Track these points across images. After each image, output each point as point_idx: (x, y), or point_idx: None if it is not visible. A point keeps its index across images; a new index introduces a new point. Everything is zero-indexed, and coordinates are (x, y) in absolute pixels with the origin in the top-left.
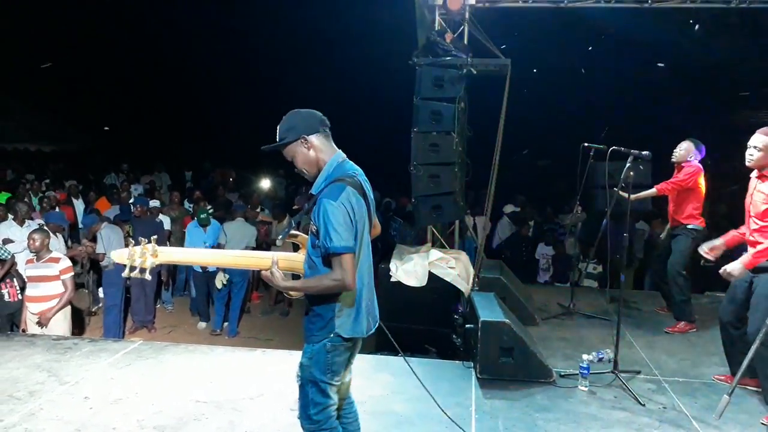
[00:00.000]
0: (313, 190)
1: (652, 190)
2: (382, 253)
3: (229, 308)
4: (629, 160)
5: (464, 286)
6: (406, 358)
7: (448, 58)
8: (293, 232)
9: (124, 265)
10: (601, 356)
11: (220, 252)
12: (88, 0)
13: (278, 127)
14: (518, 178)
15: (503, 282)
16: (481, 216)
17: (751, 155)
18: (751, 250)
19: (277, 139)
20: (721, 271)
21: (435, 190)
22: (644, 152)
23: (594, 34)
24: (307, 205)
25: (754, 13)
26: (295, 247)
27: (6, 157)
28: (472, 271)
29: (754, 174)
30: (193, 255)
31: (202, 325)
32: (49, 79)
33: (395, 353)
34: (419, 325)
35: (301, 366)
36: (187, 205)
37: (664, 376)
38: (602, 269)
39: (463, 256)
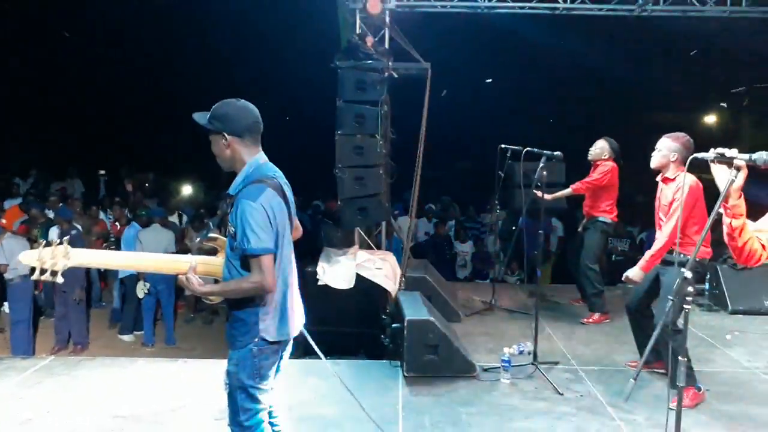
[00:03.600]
0: (231, 191)
1: (568, 190)
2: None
3: (162, 318)
4: (542, 160)
5: (391, 286)
6: (329, 360)
7: (369, 61)
8: (212, 234)
9: (31, 273)
10: (521, 349)
11: (135, 254)
12: None
13: (213, 107)
14: (442, 179)
15: (428, 281)
16: (406, 216)
17: (655, 157)
18: (647, 254)
19: (207, 117)
20: (623, 277)
21: (360, 192)
22: (556, 152)
23: (511, 39)
24: (226, 206)
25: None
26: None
27: None
28: (399, 271)
29: (659, 177)
30: (107, 257)
31: (129, 338)
32: None
33: (325, 358)
34: (348, 328)
35: (228, 373)
36: (103, 215)
37: (580, 365)
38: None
39: (390, 257)
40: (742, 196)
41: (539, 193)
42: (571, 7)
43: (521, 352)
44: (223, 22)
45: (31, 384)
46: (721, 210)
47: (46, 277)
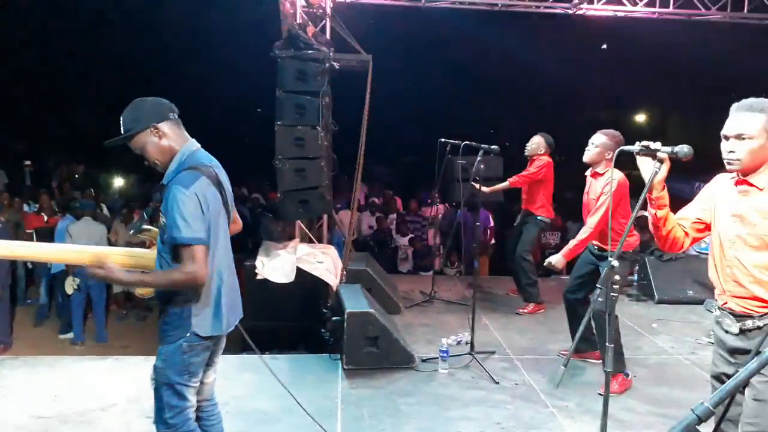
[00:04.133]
0: (164, 180)
1: (505, 183)
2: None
3: (92, 315)
4: (480, 154)
5: (332, 279)
6: (267, 355)
7: (310, 51)
8: (145, 227)
9: None
10: (459, 339)
11: (48, 246)
12: None
13: (122, 118)
14: (386, 172)
15: (369, 273)
16: (347, 210)
17: (589, 151)
18: (571, 242)
19: (122, 131)
20: (545, 263)
21: (301, 184)
22: (493, 146)
23: (453, 34)
24: (159, 196)
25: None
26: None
27: None
28: (340, 264)
29: (588, 172)
30: (25, 249)
31: (68, 336)
32: None
33: (260, 352)
34: (288, 322)
35: (155, 369)
36: (27, 207)
37: (516, 354)
38: (459, 258)
39: (332, 250)
40: (666, 188)
41: (477, 186)
42: (510, 3)
43: (459, 343)
44: (165, 12)
45: None
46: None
47: None
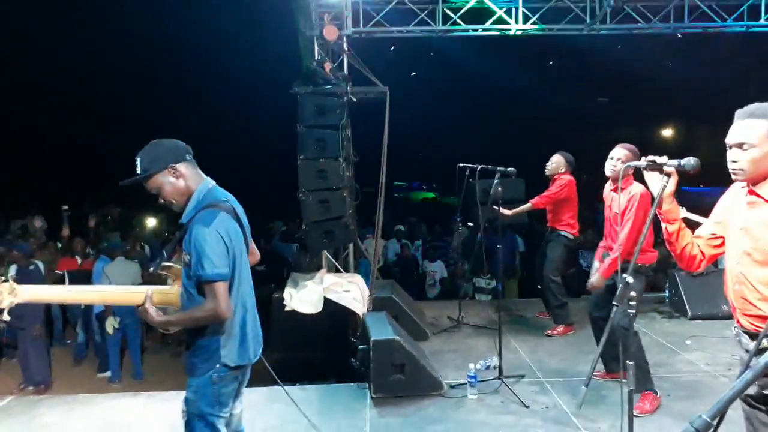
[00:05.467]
0: (183, 219)
1: (528, 205)
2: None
3: (128, 352)
4: (496, 176)
5: (360, 308)
6: (296, 387)
7: (328, 86)
8: (166, 263)
9: None
10: (487, 364)
11: (87, 288)
12: None
13: (138, 159)
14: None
15: (395, 301)
16: (372, 238)
17: (614, 166)
18: (606, 260)
19: (138, 171)
20: (587, 285)
21: (325, 215)
22: (509, 168)
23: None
24: (179, 234)
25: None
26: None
27: None
28: (367, 292)
29: (608, 187)
30: (57, 292)
31: (105, 375)
32: None
33: (291, 383)
34: (318, 352)
35: (187, 401)
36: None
37: (546, 377)
38: (495, 283)
39: (358, 279)
40: (675, 201)
41: (498, 209)
42: (523, 28)
43: (487, 367)
44: (189, 54)
45: None
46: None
47: None
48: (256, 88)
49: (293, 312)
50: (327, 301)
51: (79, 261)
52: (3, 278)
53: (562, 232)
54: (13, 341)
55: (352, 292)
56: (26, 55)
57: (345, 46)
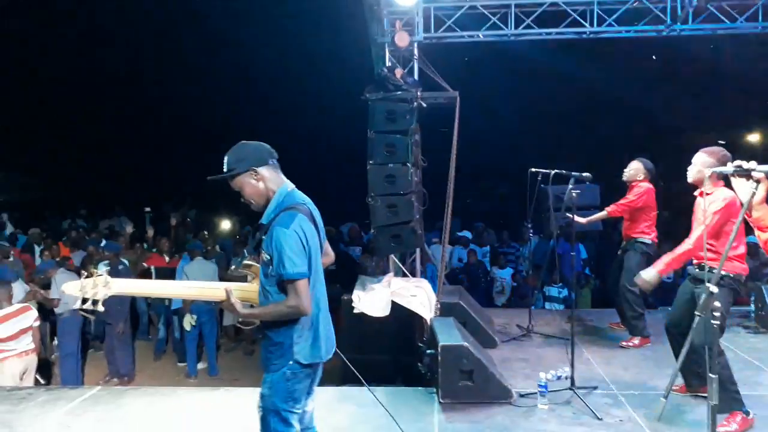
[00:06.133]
0: (263, 220)
1: (603, 213)
2: (345, 282)
3: (204, 349)
4: (571, 182)
5: (426, 313)
6: (367, 385)
7: (399, 92)
8: (246, 262)
9: (79, 310)
10: (559, 374)
11: (173, 283)
12: (26, 42)
13: (225, 158)
14: (479, 204)
15: (462, 306)
16: (439, 244)
17: (690, 172)
18: (666, 256)
19: (225, 170)
20: (636, 279)
21: (393, 219)
22: (585, 174)
23: (540, 64)
24: (259, 235)
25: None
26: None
27: None
28: (434, 298)
29: (696, 192)
30: (145, 286)
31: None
32: None
33: (359, 385)
34: (384, 355)
35: (262, 396)
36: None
37: (620, 389)
38: (567, 292)
39: (425, 284)
40: (766, 207)
41: (572, 216)
42: (598, 30)
43: (559, 378)
44: (262, 59)
45: (78, 413)
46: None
47: (88, 306)
48: (329, 95)
49: (361, 314)
50: (394, 304)
51: (167, 259)
52: (99, 272)
53: (639, 239)
54: (100, 334)
55: (419, 296)
56: (111, 67)
57: (416, 51)
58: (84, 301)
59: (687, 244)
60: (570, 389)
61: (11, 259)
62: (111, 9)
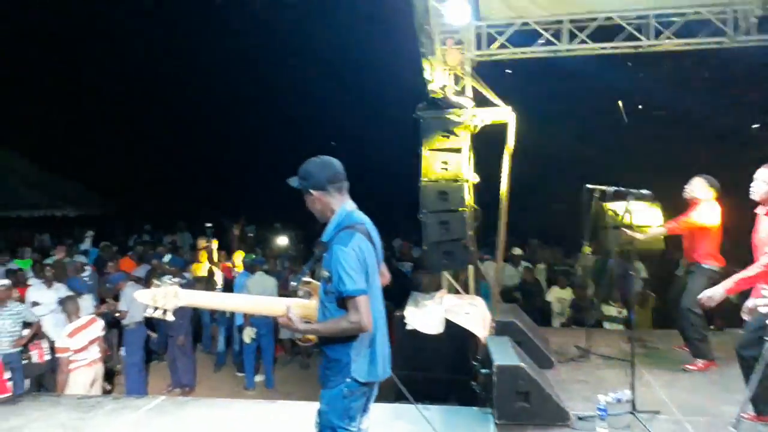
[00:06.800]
0: (324, 238)
1: (662, 229)
2: (396, 299)
3: (261, 361)
4: (629, 199)
5: (481, 331)
6: (419, 406)
7: (451, 109)
8: (306, 279)
9: (144, 322)
10: (619, 397)
11: (237, 296)
12: (89, 59)
13: (302, 168)
14: (534, 221)
15: (518, 326)
16: (493, 261)
17: (756, 188)
18: (736, 275)
19: (296, 183)
20: (700, 295)
21: (445, 236)
22: (644, 191)
23: (594, 78)
24: (319, 252)
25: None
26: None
27: (35, 224)
28: (488, 316)
29: (760, 210)
30: (212, 299)
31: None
32: (60, 140)
33: (414, 402)
34: (438, 373)
35: (320, 413)
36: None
37: (685, 415)
38: (627, 312)
39: (479, 302)
40: None
41: (631, 233)
42: (655, 43)
43: (619, 401)
44: (316, 75)
45: (144, 422)
46: None
47: (159, 315)
48: (381, 112)
49: (414, 331)
50: (448, 322)
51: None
52: (170, 282)
53: (705, 265)
54: (163, 346)
55: (472, 314)
56: (176, 84)
57: (468, 69)
58: (155, 309)
59: (758, 266)
60: (631, 413)
61: (88, 272)
62: (203, 41)
